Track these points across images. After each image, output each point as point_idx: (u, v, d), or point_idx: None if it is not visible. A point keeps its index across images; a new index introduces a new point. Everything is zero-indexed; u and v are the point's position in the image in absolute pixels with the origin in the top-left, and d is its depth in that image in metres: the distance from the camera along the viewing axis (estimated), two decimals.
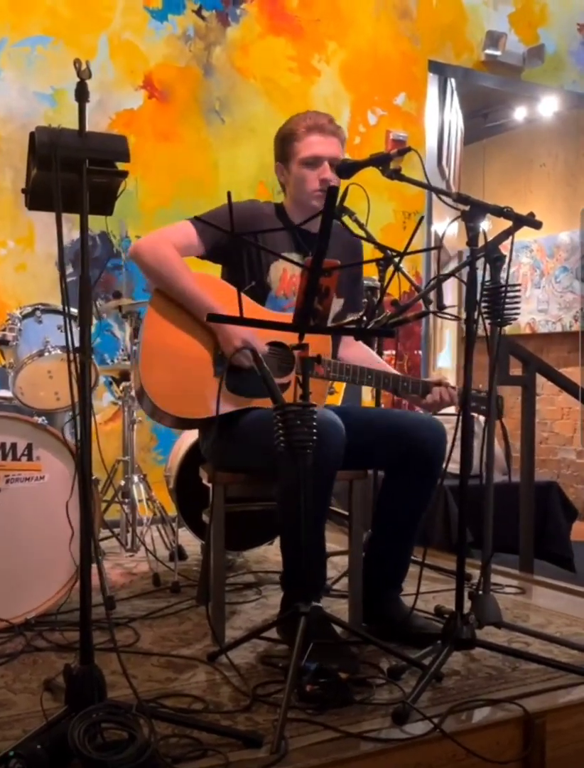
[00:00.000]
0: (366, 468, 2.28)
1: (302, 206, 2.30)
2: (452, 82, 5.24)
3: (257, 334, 2.11)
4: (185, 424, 2.26)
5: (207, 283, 2.19)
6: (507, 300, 1.87)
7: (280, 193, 4.41)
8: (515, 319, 1.92)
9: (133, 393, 3.16)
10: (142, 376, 2.12)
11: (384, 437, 2.19)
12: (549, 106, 5.76)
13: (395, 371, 2.33)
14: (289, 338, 1.99)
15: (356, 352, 2.41)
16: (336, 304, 2.35)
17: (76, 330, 1.57)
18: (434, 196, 2.50)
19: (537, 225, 1.81)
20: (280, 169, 2.36)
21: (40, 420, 2.34)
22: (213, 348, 2.17)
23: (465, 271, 1.92)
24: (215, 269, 2.36)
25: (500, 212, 1.83)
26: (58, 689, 1.75)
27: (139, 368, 2.13)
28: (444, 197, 1.90)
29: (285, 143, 2.31)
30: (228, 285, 2.24)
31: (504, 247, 1.91)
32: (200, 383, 2.13)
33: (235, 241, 2.15)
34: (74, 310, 1.59)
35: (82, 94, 1.47)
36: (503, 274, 1.91)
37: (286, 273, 2.29)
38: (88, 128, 1.53)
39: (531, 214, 1.85)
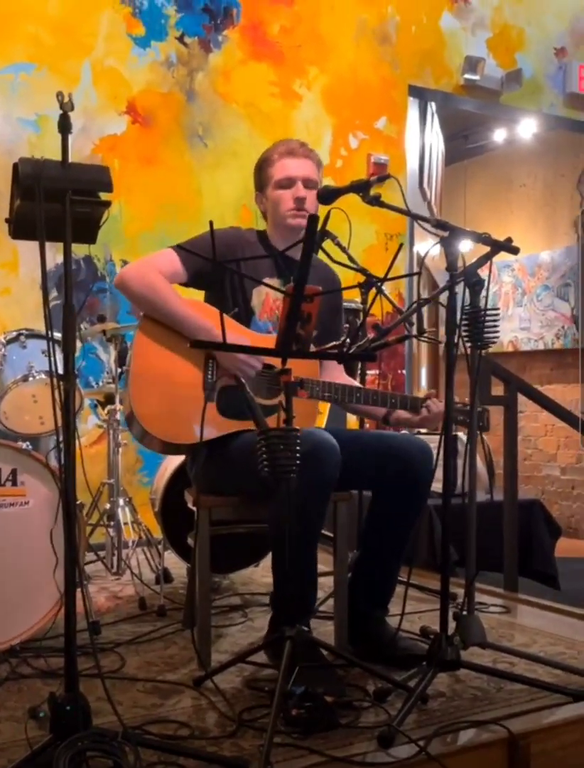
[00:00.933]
0: (354, 488, 2.29)
1: (281, 229, 2.33)
2: (432, 106, 5.32)
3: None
4: (173, 449, 2.26)
5: (195, 307, 2.21)
6: (486, 324, 1.90)
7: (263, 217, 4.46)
8: (494, 342, 1.95)
9: (118, 416, 3.17)
10: (132, 402, 2.13)
11: (373, 457, 2.21)
12: (527, 128, 5.85)
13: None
14: (278, 361, 2.01)
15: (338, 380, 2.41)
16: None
17: (60, 355, 1.58)
18: None
19: (514, 250, 1.85)
20: (258, 198, 2.41)
21: (24, 445, 2.34)
22: (203, 372, 2.19)
23: (445, 295, 1.95)
24: (198, 295, 2.38)
25: (478, 238, 1.86)
26: (43, 717, 1.74)
27: (130, 394, 2.14)
28: (423, 223, 1.93)
29: (261, 171, 2.38)
30: (214, 309, 2.26)
31: (485, 271, 1.95)
32: (190, 407, 2.14)
33: (218, 267, 2.18)
34: (58, 335, 1.61)
35: (65, 126, 1.49)
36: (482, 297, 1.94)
37: (268, 297, 2.32)
38: (72, 153, 1.55)
39: (509, 239, 1.89)
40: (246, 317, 2.29)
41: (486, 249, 1.91)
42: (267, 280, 2.24)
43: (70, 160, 1.57)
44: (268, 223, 2.41)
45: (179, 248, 2.15)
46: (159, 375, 2.15)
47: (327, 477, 2.00)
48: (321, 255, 2.50)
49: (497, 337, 1.94)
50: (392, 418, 2.30)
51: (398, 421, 2.30)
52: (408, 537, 2.26)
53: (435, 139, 5.64)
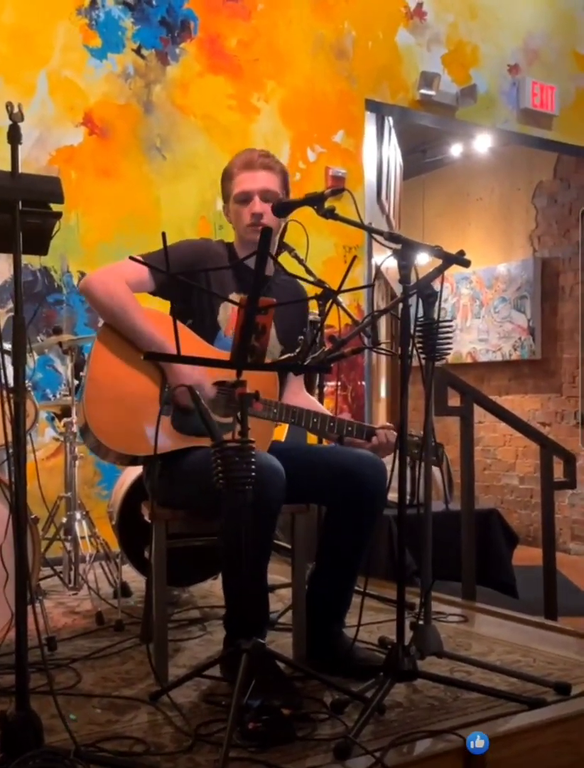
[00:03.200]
0: (308, 502, 2.30)
1: (244, 242, 2.33)
2: (389, 120, 5.37)
3: (206, 374, 2.13)
4: (128, 460, 2.25)
5: (157, 319, 2.19)
6: (440, 336, 1.92)
7: (220, 228, 4.49)
8: (448, 353, 1.97)
9: (75, 429, 3.13)
10: (86, 412, 2.11)
11: (325, 474, 2.21)
12: (483, 142, 5.95)
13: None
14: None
15: (301, 402, 2.39)
16: (276, 350, 2.37)
17: (10, 368, 1.56)
18: None
19: (465, 263, 1.87)
20: (225, 209, 2.41)
21: None
22: (160, 385, 2.17)
23: (400, 307, 1.96)
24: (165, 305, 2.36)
25: (431, 251, 1.88)
26: None
27: (84, 403, 2.11)
28: (376, 236, 1.95)
29: (224, 183, 2.37)
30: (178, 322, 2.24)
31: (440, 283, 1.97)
32: (145, 420, 2.12)
33: (173, 280, 2.16)
34: (8, 346, 1.59)
35: (14, 136, 1.48)
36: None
37: (235, 312, 2.31)
38: (28, 164, 1.54)
39: (461, 252, 1.91)
40: (211, 332, 2.27)
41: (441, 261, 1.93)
42: (233, 295, 2.24)
43: (27, 170, 1.56)
44: (235, 233, 2.41)
45: (135, 258, 2.13)
46: (115, 385, 2.13)
47: (270, 499, 1.99)
48: (284, 261, 2.50)
49: (451, 349, 1.96)
50: (346, 440, 2.30)
51: (351, 443, 2.30)
52: (362, 552, 2.26)
53: (393, 153, 5.70)
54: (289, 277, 2.33)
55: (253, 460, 1.79)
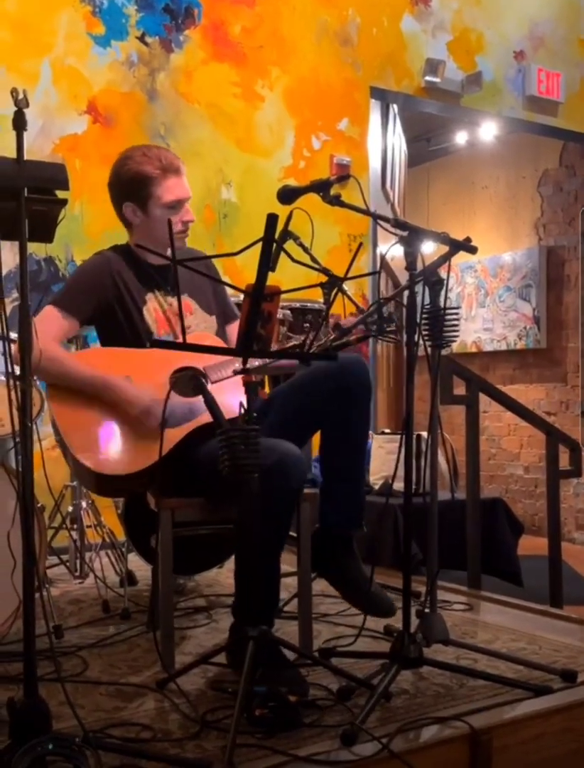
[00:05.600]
0: (313, 427, 2.30)
1: (164, 245, 2.23)
2: (394, 108, 5.35)
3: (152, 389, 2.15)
4: (146, 476, 2.18)
5: (96, 356, 2.25)
6: (446, 323, 1.91)
7: (225, 217, 4.47)
8: (454, 341, 1.96)
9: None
10: (88, 464, 2.10)
11: (315, 380, 2.20)
12: (488, 130, 5.92)
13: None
14: (180, 360, 2.12)
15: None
16: (211, 322, 2.40)
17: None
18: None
19: (472, 250, 1.86)
20: (131, 209, 2.33)
21: None
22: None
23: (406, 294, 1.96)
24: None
25: (437, 238, 1.87)
26: (1, 723, 1.72)
27: (80, 459, 2.11)
28: (382, 222, 1.94)
29: (137, 185, 2.29)
30: (115, 350, 2.28)
31: (446, 271, 1.96)
32: (139, 434, 2.15)
33: (107, 302, 2.23)
34: (16, 335, 1.60)
35: (19, 122, 1.48)
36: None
37: (157, 312, 2.33)
38: (32, 153, 1.54)
39: (468, 239, 1.90)
40: (148, 339, 2.28)
41: (447, 249, 1.93)
42: (149, 297, 2.30)
43: (28, 158, 1.56)
44: (138, 234, 2.37)
45: (60, 302, 2.22)
46: (92, 427, 2.15)
47: (293, 487, 2.00)
48: (291, 250, 2.49)
49: (457, 336, 1.96)
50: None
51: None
52: (364, 448, 2.26)
53: (398, 141, 5.68)
54: (186, 252, 2.33)
55: (258, 446, 1.78)
